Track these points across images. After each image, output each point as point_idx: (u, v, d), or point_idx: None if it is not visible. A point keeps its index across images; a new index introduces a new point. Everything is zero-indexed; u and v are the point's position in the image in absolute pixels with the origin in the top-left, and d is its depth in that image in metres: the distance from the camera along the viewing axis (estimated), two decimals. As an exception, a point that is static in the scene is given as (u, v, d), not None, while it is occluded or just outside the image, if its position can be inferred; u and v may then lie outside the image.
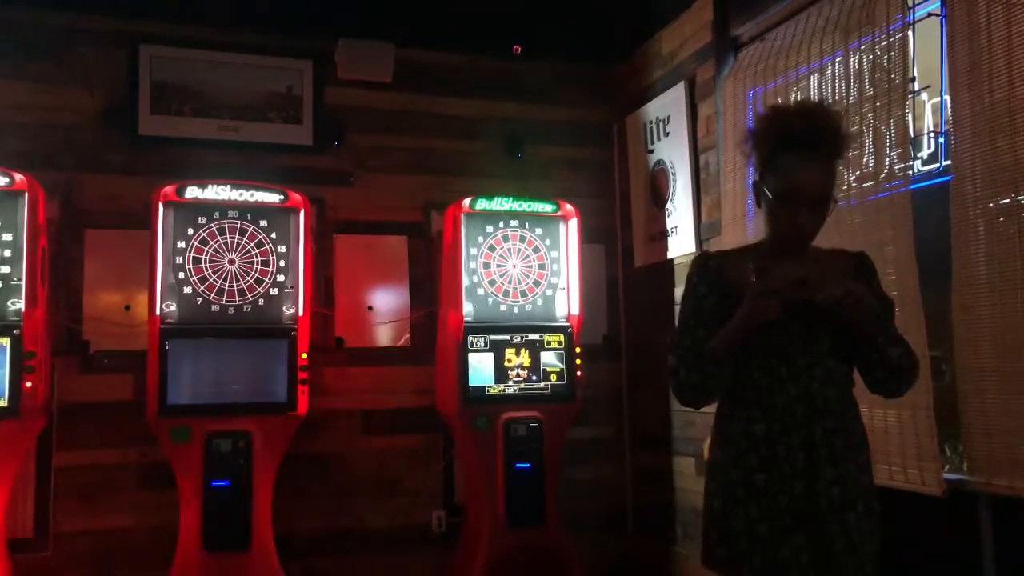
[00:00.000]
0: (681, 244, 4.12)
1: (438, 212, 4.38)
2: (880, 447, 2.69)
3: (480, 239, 4.06)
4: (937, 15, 2.75)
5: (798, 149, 1.90)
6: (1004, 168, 2.43)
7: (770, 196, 1.92)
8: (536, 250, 4.14)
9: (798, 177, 1.88)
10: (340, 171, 4.40)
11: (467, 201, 4.01)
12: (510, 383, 3.94)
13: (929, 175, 2.84)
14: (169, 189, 3.62)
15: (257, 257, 3.73)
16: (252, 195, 3.73)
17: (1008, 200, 2.44)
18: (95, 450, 3.88)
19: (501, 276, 4.06)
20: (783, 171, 1.91)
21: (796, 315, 1.87)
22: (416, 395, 4.33)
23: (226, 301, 3.67)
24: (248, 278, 3.71)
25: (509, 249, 4.10)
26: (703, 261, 2.07)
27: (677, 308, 4.19)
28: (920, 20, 2.83)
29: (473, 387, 3.88)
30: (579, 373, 4.03)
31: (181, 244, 3.64)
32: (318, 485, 4.18)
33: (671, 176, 4.23)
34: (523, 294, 4.09)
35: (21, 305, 3.35)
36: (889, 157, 2.82)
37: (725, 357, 1.92)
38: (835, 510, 1.85)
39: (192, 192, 3.65)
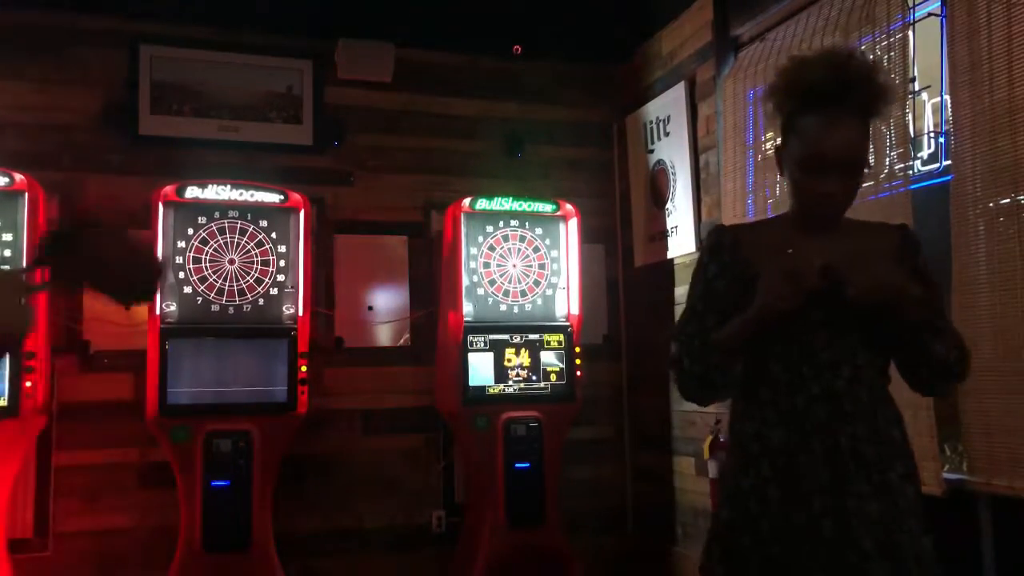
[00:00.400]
0: (681, 244, 4.13)
1: (438, 212, 4.38)
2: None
3: (480, 239, 4.06)
4: (937, 15, 2.75)
5: (823, 106, 1.62)
6: (1004, 168, 2.44)
7: (793, 163, 1.66)
8: (536, 250, 4.14)
9: (824, 139, 1.60)
10: (340, 171, 4.40)
11: (467, 201, 4.01)
12: (510, 383, 3.94)
13: (929, 175, 2.84)
14: (169, 189, 3.62)
15: (257, 257, 3.73)
16: (252, 195, 3.73)
17: (1008, 200, 2.44)
18: (95, 450, 3.88)
19: (501, 276, 4.06)
20: (806, 132, 1.63)
21: (820, 302, 1.59)
22: (416, 395, 4.33)
23: (226, 301, 3.67)
24: (248, 278, 3.71)
25: (509, 249, 4.10)
26: (716, 236, 1.78)
27: (677, 308, 4.22)
28: (920, 20, 2.83)
29: (473, 387, 3.88)
30: (579, 373, 4.03)
31: (181, 244, 3.64)
32: (318, 485, 4.18)
33: (671, 176, 4.23)
34: (523, 294, 4.09)
35: (21, 305, 3.35)
36: (889, 157, 2.82)
37: (735, 348, 1.66)
38: (874, 530, 1.56)
39: (192, 192, 3.65)
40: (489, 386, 3.91)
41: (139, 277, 0.88)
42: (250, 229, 3.74)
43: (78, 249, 0.87)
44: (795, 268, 1.57)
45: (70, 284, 0.71)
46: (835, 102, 1.61)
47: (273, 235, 3.77)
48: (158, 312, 3.53)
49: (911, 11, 2.82)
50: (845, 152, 1.61)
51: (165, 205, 3.62)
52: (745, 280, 1.69)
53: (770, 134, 3.43)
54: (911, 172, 2.81)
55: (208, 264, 3.66)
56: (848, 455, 1.60)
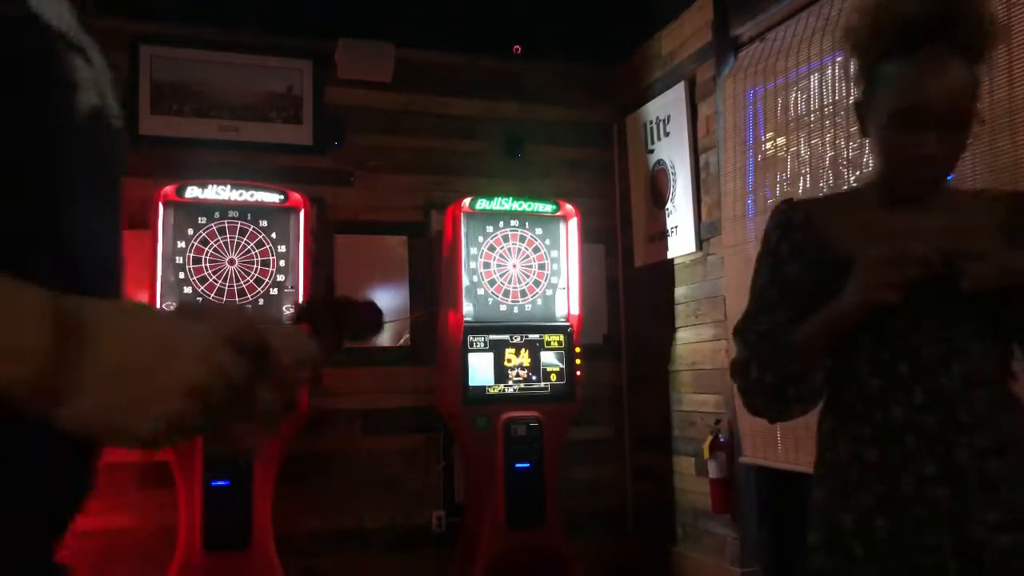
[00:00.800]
0: (681, 244, 4.13)
1: (438, 212, 4.38)
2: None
3: (480, 239, 4.06)
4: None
5: (919, 46, 1.31)
6: (1004, 168, 2.44)
7: (880, 118, 1.35)
8: (536, 250, 4.14)
9: (922, 86, 1.29)
10: (340, 171, 4.40)
11: (467, 201, 4.01)
12: (510, 383, 3.94)
13: (929, 175, 2.84)
14: (169, 189, 3.62)
15: (257, 257, 3.73)
16: (252, 195, 3.73)
17: (1008, 200, 2.44)
18: (95, 450, 3.88)
19: (501, 276, 4.07)
20: (899, 79, 1.32)
21: (922, 287, 1.27)
22: (416, 395, 4.33)
23: (226, 301, 3.67)
24: (248, 278, 3.71)
25: (509, 249, 4.10)
26: (786, 212, 1.48)
27: (677, 308, 4.22)
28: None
29: (473, 387, 3.88)
30: (579, 373, 4.03)
31: (181, 244, 3.64)
32: (318, 485, 4.18)
33: (671, 176, 4.23)
34: (523, 294, 4.09)
35: (21, 305, 3.35)
36: (889, 157, 2.82)
37: (819, 356, 1.37)
38: (1007, 568, 1.25)
39: (192, 192, 3.65)
40: (489, 386, 3.91)
41: (365, 323, 1.09)
42: (250, 229, 3.74)
43: (330, 312, 1.05)
44: (898, 252, 1.25)
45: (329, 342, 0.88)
46: (934, 41, 1.31)
47: (273, 235, 3.77)
48: (158, 312, 3.53)
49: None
50: (948, 102, 1.29)
51: (165, 205, 3.62)
52: (822, 265, 1.39)
53: (770, 134, 3.43)
54: (911, 172, 2.81)
55: (208, 264, 3.66)
56: (971, 472, 1.27)
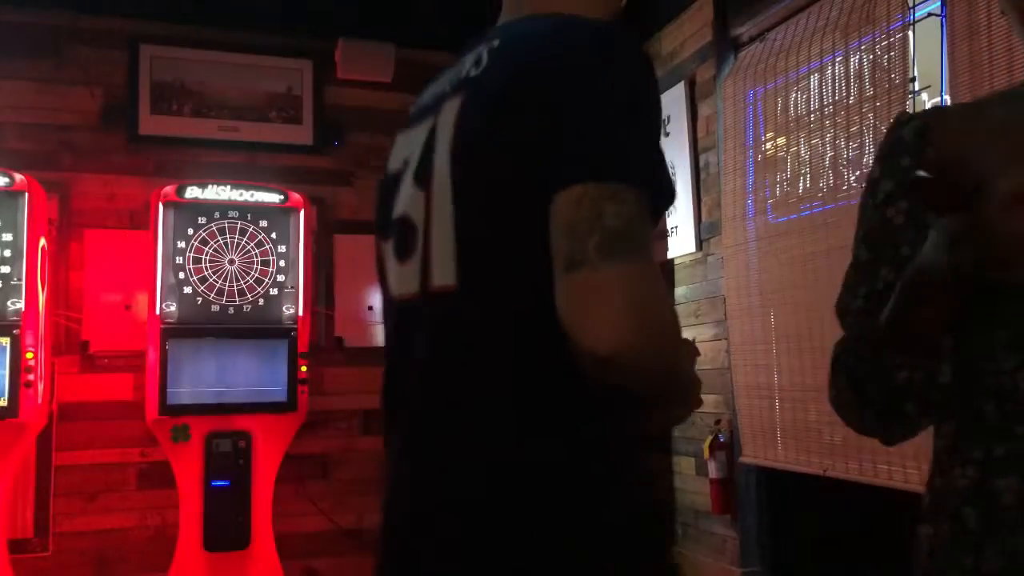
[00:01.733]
0: (681, 244, 4.12)
1: (438, 212, 4.37)
2: (881, 447, 2.69)
3: (480, 239, 4.06)
4: (937, 15, 2.75)
5: None
6: (1004, 168, 2.43)
7: None
8: (536, 250, 4.13)
9: None
10: (340, 171, 4.40)
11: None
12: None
13: (929, 175, 2.83)
14: (169, 189, 3.62)
15: (257, 257, 3.74)
16: (252, 195, 3.73)
17: (1008, 200, 2.43)
18: (95, 450, 3.89)
19: (501, 276, 4.06)
20: None
21: None
22: (416, 395, 4.33)
23: (226, 301, 3.67)
24: (248, 278, 3.71)
25: (509, 249, 4.09)
26: (894, 129, 0.97)
27: (677, 308, 4.21)
28: (920, 20, 2.83)
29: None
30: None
31: (181, 244, 3.64)
32: (318, 485, 4.18)
33: (671, 176, 4.22)
34: (523, 294, 4.08)
35: (21, 305, 3.36)
36: (889, 157, 2.82)
37: (924, 339, 0.88)
38: None
39: (192, 192, 3.65)
40: (489, 386, 3.90)
41: None
42: (250, 229, 3.74)
43: None
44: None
45: None
46: None
47: (273, 235, 3.77)
48: (158, 312, 3.53)
49: (911, 11, 2.82)
50: None
51: (165, 205, 3.62)
52: (953, 197, 0.78)
53: (770, 134, 3.44)
54: (911, 172, 2.80)
55: (208, 264, 3.67)
56: None
